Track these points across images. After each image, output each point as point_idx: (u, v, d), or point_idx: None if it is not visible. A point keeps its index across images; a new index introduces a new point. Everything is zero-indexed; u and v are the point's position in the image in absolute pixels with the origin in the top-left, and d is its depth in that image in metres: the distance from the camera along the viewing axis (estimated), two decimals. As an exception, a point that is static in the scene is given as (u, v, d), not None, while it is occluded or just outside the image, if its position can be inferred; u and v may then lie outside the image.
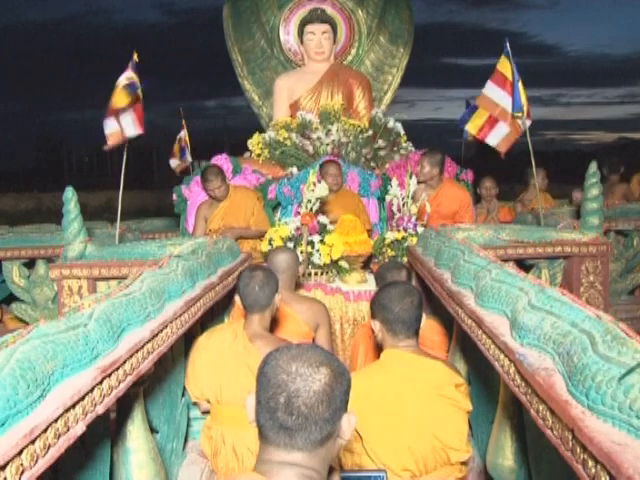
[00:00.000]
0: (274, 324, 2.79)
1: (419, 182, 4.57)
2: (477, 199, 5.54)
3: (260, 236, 4.29)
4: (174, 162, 6.23)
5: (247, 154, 5.74)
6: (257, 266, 2.69)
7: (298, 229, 4.03)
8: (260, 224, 4.46)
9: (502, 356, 1.66)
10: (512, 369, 1.56)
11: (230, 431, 2.31)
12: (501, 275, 2.04)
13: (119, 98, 3.83)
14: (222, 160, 5.17)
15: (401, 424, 1.91)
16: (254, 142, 5.58)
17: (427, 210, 4.25)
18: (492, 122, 4.05)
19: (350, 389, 1.07)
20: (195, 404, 2.58)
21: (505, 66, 3.91)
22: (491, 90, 3.96)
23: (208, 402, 2.46)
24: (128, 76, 3.83)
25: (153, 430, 2.12)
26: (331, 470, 1.14)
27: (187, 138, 6.18)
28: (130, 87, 3.84)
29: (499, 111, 3.98)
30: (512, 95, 3.85)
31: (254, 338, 2.35)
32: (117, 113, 3.84)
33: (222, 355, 2.37)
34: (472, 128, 5.76)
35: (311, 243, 3.98)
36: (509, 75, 3.88)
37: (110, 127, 3.86)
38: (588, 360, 1.22)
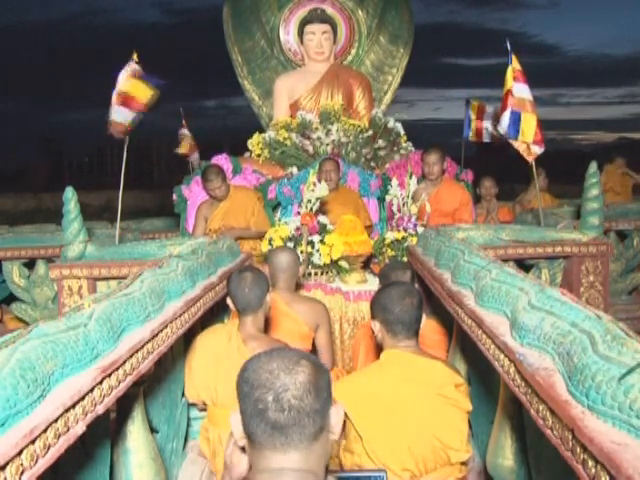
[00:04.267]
0: (274, 324, 2.79)
1: (429, 179, 4.60)
2: (477, 199, 5.54)
3: (260, 237, 4.29)
4: (195, 157, 6.36)
5: (247, 154, 5.74)
6: (246, 267, 2.68)
7: (298, 229, 4.03)
8: (260, 224, 4.45)
9: (502, 356, 1.66)
10: (512, 369, 1.56)
11: (227, 433, 2.30)
12: (501, 275, 2.04)
13: (138, 90, 3.77)
14: (222, 160, 5.17)
15: (401, 424, 1.92)
16: (254, 142, 5.58)
17: (427, 210, 4.25)
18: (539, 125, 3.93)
19: (331, 381, 1.07)
20: (194, 404, 2.58)
21: (516, 64, 3.88)
22: (519, 89, 3.87)
23: (204, 404, 2.46)
24: (133, 68, 3.78)
25: (153, 430, 2.12)
26: (329, 472, 1.14)
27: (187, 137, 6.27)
28: (146, 78, 3.79)
29: (527, 104, 3.87)
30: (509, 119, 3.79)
31: (248, 340, 2.35)
32: (131, 104, 3.78)
33: (217, 357, 2.37)
34: (472, 136, 5.77)
35: (311, 243, 3.98)
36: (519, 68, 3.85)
37: (122, 116, 3.79)
38: (588, 360, 1.22)
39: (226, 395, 2.31)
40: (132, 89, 3.76)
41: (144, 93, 3.79)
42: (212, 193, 4.40)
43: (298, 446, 0.99)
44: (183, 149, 6.47)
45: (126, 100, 3.75)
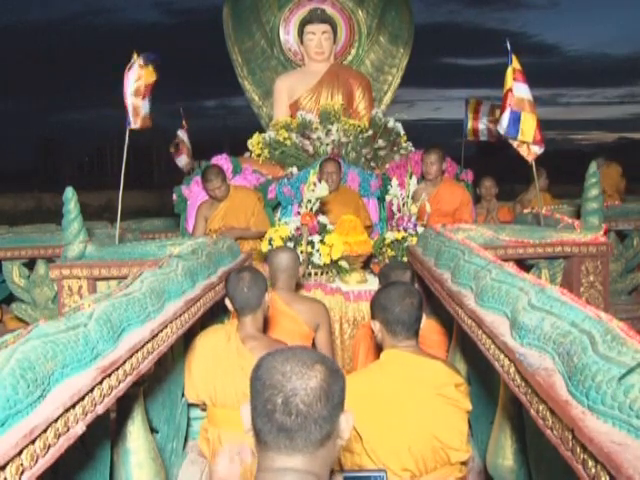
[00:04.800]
0: (274, 324, 2.79)
1: (428, 179, 4.60)
2: (477, 199, 5.54)
3: (260, 237, 4.29)
4: (183, 160, 6.27)
5: (247, 154, 5.74)
6: (244, 267, 2.68)
7: (298, 229, 4.03)
8: (260, 225, 4.45)
9: (502, 356, 1.66)
10: (512, 369, 1.56)
11: (226, 433, 2.31)
12: (501, 275, 2.04)
13: (147, 76, 3.74)
14: (222, 160, 5.17)
15: (401, 424, 1.92)
16: (254, 142, 5.58)
17: (427, 210, 4.25)
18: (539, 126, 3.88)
19: (345, 387, 1.06)
20: (194, 404, 2.58)
21: (516, 64, 3.86)
22: (518, 89, 3.85)
23: (204, 404, 2.46)
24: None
25: (153, 430, 2.12)
26: (332, 472, 1.13)
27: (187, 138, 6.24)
28: (145, 60, 3.76)
29: (526, 104, 3.84)
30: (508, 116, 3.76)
31: (247, 340, 2.35)
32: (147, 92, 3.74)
33: (216, 357, 2.37)
34: (470, 135, 5.78)
35: (311, 243, 3.98)
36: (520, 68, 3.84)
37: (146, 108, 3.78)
38: (588, 360, 1.22)
39: (225, 395, 2.31)
40: (146, 79, 3.77)
41: (150, 76, 3.80)
42: (212, 193, 4.40)
43: (302, 450, 0.99)
44: (173, 148, 6.38)
45: (147, 90, 3.77)
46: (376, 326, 2.10)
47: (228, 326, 2.53)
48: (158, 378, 2.20)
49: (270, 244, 3.93)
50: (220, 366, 2.34)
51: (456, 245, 2.78)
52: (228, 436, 2.30)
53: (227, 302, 2.45)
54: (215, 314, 3.10)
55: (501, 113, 3.86)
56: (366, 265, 4.30)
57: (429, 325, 2.87)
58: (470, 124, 5.69)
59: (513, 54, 3.86)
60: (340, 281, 4.06)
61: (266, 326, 2.64)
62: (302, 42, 6.10)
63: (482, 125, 5.64)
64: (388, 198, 4.45)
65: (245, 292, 2.35)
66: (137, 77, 3.74)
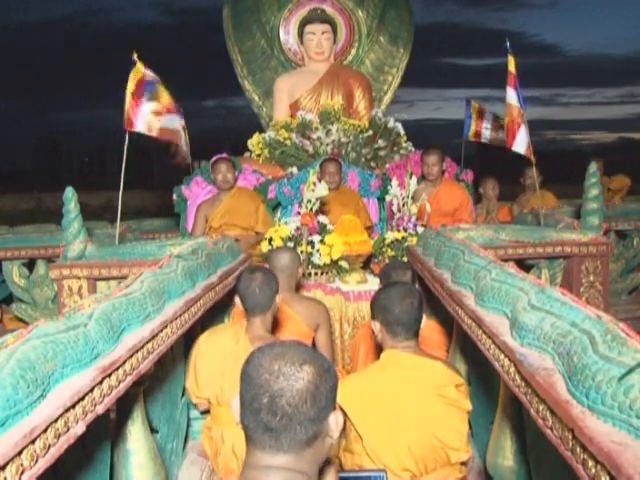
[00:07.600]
0: (274, 324, 2.79)
1: (429, 180, 4.60)
2: (477, 199, 5.54)
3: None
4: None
5: (247, 154, 5.74)
6: (256, 267, 2.68)
7: (298, 229, 4.03)
8: (267, 227, 4.43)
9: (502, 356, 1.66)
10: (512, 369, 1.56)
11: (229, 432, 2.31)
12: (501, 275, 2.04)
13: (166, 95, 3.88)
14: (222, 160, 5.16)
15: (401, 424, 1.91)
16: (254, 142, 5.58)
17: (427, 210, 4.25)
18: (514, 128, 3.89)
19: (337, 386, 1.05)
20: (194, 405, 2.58)
21: (511, 64, 3.87)
22: (510, 95, 3.87)
23: (208, 402, 2.46)
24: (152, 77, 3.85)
25: (153, 430, 2.12)
26: (328, 463, 1.13)
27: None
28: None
29: (518, 112, 3.86)
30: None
31: (255, 340, 2.34)
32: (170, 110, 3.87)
33: (223, 357, 2.36)
34: (472, 136, 5.76)
35: (311, 243, 3.98)
36: (513, 70, 3.85)
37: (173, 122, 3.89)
38: (588, 360, 1.22)
39: (231, 395, 2.30)
40: (166, 97, 3.87)
41: (168, 97, 3.91)
42: (219, 177, 4.41)
43: (288, 450, 0.98)
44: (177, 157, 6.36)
45: (171, 107, 3.90)
46: (376, 326, 2.10)
47: (237, 326, 2.52)
48: (158, 378, 2.20)
49: (270, 244, 3.93)
50: (227, 366, 2.32)
51: (456, 245, 2.78)
52: (231, 435, 2.30)
53: (237, 300, 2.44)
54: (215, 314, 3.10)
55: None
56: (366, 265, 4.29)
57: (429, 325, 2.87)
58: (473, 125, 5.68)
59: (510, 56, 3.86)
60: (340, 281, 4.06)
61: (266, 326, 2.63)
62: (302, 42, 6.10)
63: (485, 130, 5.64)
64: (388, 198, 4.45)
65: (257, 293, 2.34)
66: (162, 94, 3.82)
